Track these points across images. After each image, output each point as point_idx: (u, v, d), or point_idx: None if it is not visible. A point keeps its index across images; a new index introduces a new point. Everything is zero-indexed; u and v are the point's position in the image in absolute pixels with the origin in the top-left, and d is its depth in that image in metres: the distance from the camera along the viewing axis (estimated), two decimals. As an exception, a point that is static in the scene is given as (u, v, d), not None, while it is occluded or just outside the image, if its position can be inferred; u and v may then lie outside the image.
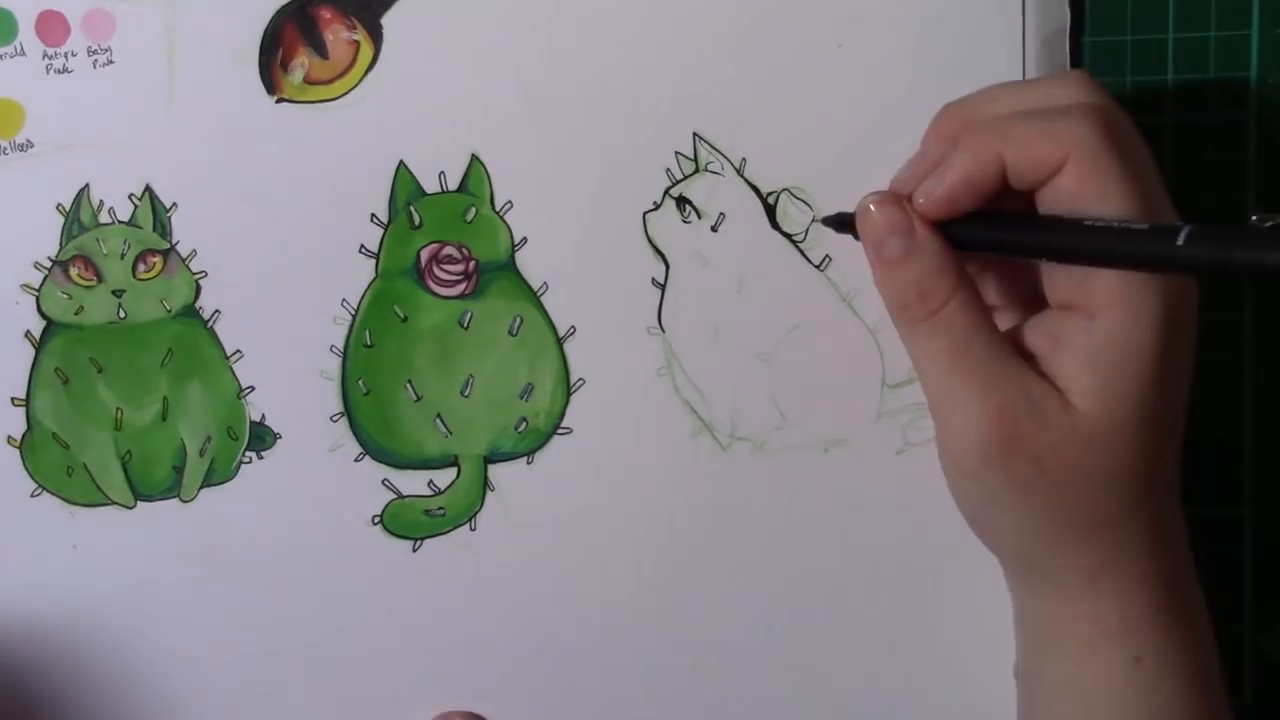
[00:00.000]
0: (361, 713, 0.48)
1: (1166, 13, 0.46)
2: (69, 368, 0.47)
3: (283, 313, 0.46)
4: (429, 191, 0.46)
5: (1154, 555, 0.39)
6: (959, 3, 0.44)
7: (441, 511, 0.47)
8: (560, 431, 0.47)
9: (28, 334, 0.47)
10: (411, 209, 0.46)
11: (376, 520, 0.47)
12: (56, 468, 0.47)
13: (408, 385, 0.47)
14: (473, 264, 0.46)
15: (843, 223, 0.42)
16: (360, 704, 0.48)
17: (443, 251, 0.46)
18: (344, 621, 0.48)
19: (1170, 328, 0.36)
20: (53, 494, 0.47)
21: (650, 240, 0.46)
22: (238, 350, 0.47)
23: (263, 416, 0.47)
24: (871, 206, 0.39)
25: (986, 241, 0.39)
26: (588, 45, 0.45)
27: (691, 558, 0.47)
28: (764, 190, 0.45)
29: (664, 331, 0.46)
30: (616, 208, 0.46)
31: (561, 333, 0.46)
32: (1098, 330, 0.36)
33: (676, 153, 0.45)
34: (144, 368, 0.47)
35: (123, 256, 0.46)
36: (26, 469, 0.47)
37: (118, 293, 0.46)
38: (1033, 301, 0.41)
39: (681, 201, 0.46)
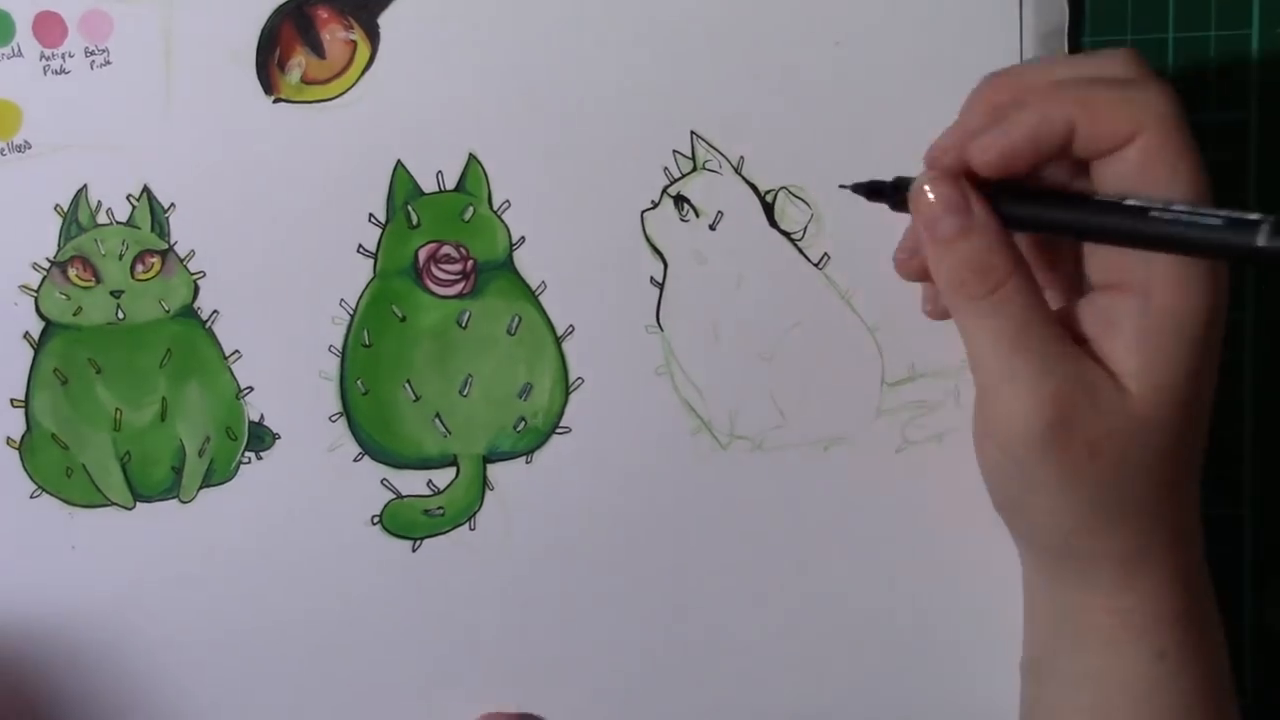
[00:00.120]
0: (361, 711, 0.48)
1: (1166, 13, 0.45)
2: (68, 368, 0.47)
3: (281, 313, 0.46)
4: (427, 191, 0.46)
5: (1183, 547, 0.39)
6: (956, 1, 0.44)
7: (440, 511, 0.47)
8: (559, 431, 0.47)
9: (26, 335, 0.47)
10: (409, 208, 0.46)
11: (376, 520, 0.47)
12: (56, 469, 0.47)
13: (406, 385, 0.47)
14: (471, 263, 0.46)
15: (875, 191, 0.41)
16: (359, 703, 0.48)
17: (441, 251, 0.46)
18: (343, 621, 0.48)
19: (1217, 313, 0.36)
20: (52, 495, 0.47)
21: (648, 239, 0.46)
22: (236, 350, 0.47)
23: (261, 417, 0.47)
24: (926, 186, 0.38)
25: (1045, 221, 0.38)
26: (585, 44, 0.45)
27: (691, 556, 0.47)
28: (762, 189, 0.45)
29: (662, 330, 0.46)
30: (614, 207, 0.46)
31: (560, 332, 0.46)
32: (1152, 312, 0.36)
33: (674, 151, 0.45)
34: (143, 368, 0.47)
35: (121, 257, 0.46)
36: (26, 470, 0.47)
37: (116, 293, 0.46)
38: (1073, 281, 0.40)
39: (679, 200, 0.46)
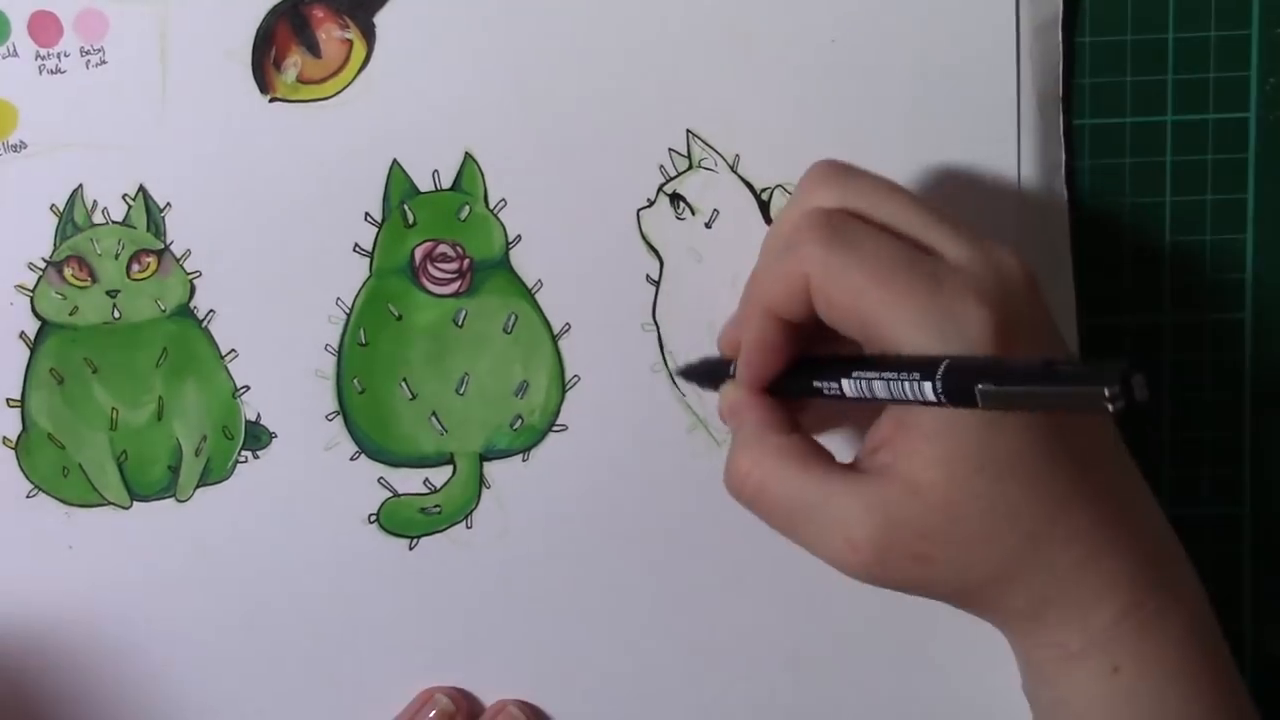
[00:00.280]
0: (358, 710, 0.48)
1: (1166, 13, 0.45)
2: (64, 368, 0.47)
3: (277, 312, 0.46)
4: (423, 190, 0.46)
5: (1095, 568, 0.37)
6: (952, -3, 0.44)
7: (437, 509, 0.47)
8: (555, 429, 0.47)
9: (22, 335, 0.47)
10: (405, 207, 0.46)
11: (372, 518, 0.47)
12: (52, 468, 0.47)
13: (403, 383, 0.47)
14: (467, 262, 0.46)
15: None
16: (357, 702, 0.48)
17: (437, 250, 0.46)
18: (340, 619, 0.48)
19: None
20: (48, 494, 0.47)
21: (644, 237, 0.46)
22: (232, 350, 0.47)
23: (258, 416, 0.47)
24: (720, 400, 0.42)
25: (802, 391, 0.40)
26: (581, 43, 0.45)
27: (687, 553, 0.47)
28: (758, 187, 0.45)
29: (658, 328, 0.46)
30: (610, 205, 0.46)
31: (556, 330, 0.46)
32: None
33: (670, 149, 0.45)
34: (139, 368, 0.47)
35: (117, 257, 0.46)
36: (22, 469, 0.47)
37: (112, 293, 0.46)
38: None
39: (675, 198, 0.46)
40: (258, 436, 0.47)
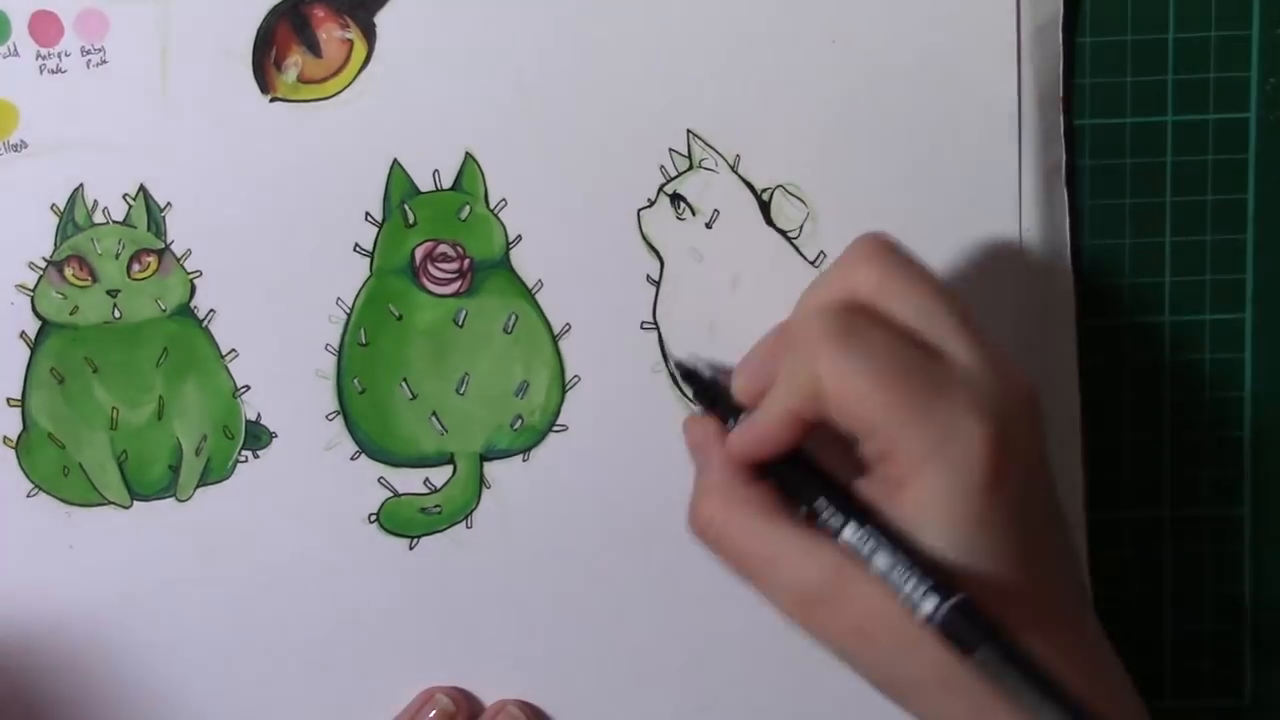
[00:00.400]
0: (358, 710, 0.48)
1: (1166, 13, 0.45)
2: (64, 368, 0.47)
3: (278, 311, 0.46)
4: (423, 190, 0.46)
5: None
6: (952, -3, 0.44)
7: (438, 509, 0.47)
8: (556, 429, 0.47)
9: (23, 334, 0.47)
10: (406, 207, 0.46)
11: (373, 518, 0.47)
12: (52, 468, 0.47)
13: (403, 383, 0.47)
14: (467, 262, 0.46)
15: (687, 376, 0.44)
16: (357, 701, 0.48)
17: (437, 249, 0.46)
18: (341, 619, 0.48)
19: (965, 491, 0.35)
20: (49, 494, 0.47)
21: (645, 237, 0.46)
22: (233, 349, 0.47)
23: (258, 415, 0.47)
24: (687, 428, 0.42)
25: (788, 489, 0.39)
26: (581, 43, 0.45)
27: (688, 554, 0.46)
28: (758, 187, 0.45)
29: (659, 328, 0.46)
30: (611, 205, 0.46)
31: (556, 330, 0.46)
32: (899, 508, 0.36)
33: (670, 149, 0.45)
34: (139, 367, 0.47)
35: (117, 256, 0.46)
36: (22, 469, 0.47)
37: (112, 292, 0.46)
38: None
39: (676, 198, 0.46)
40: (258, 436, 0.47)
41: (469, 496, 0.47)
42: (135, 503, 0.47)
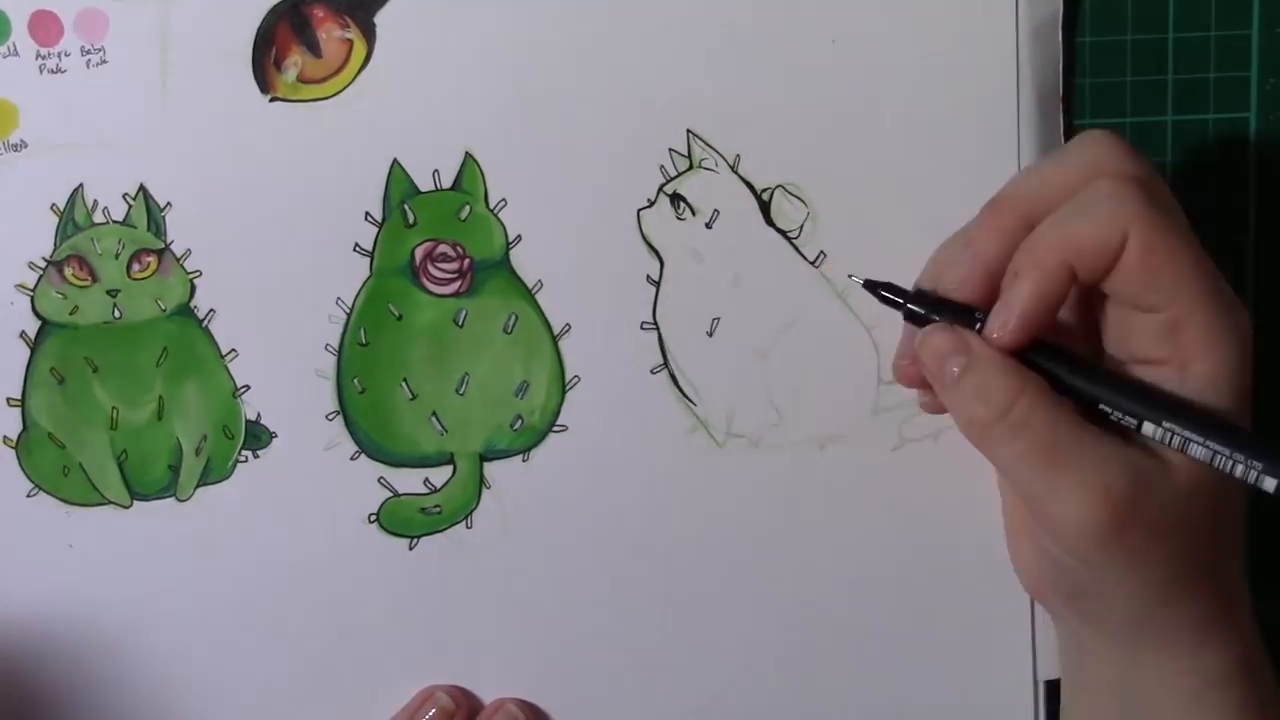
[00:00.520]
0: (358, 709, 0.48)
1: (1166, 13, 0.45)
2: (64, 367, 0.47)
3: (278, 311, 0.46)
4: (423, 189, 0.46)
5: (1247, 601, 0.39)
6: (952, -4, 0.44)
7: (438, 509, 0.47)
8: (556, 429, 0.47)
9: (23, 334, 0.47)
10: (406, 207, 0.46)
11: (373, 518, 0.47)
12: (52, 468, 0.47)
13: (403, 383, 0.47)
14: (467, 262, 0.46)
15: (887, 296, 0.41)
16: (357, 700, 0.48)
17: (437, 249, 0.46)
18: (341, 619, 0.48)
19: (1246, 370, 0.36)
20: (49, 494, 0.47)
21: (645, 237, 0.46)
22: (233, 349, 0.47)
23: (258, 415, 0.47)
24: (926, 342, 0.39)
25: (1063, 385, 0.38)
26: (581, 43, 0.45)
27: (687, 554, 0.47)
28: (758, 187, 0.45)
29: (659, 328, 0.46)
30: (611, 205, 0.46)
31: (556, 330, 0.46)
32: (1191, 381, 0.36)
33: (670, 149, 0.45)
34: (139, 367, 0.47)
35: (117, 256, 0.46)
36: (23, 469, 0.47)
37: (112, 292, 0.46)
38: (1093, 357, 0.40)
39: (676, 198, 0.46)
40: (258, 436, 0.47)
41: (469, 496, 0.47)
42: (135, 502, 0.47)
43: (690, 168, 0.45)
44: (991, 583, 0.45)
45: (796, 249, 0.45)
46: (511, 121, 0.45)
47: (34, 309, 0.46)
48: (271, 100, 0.46)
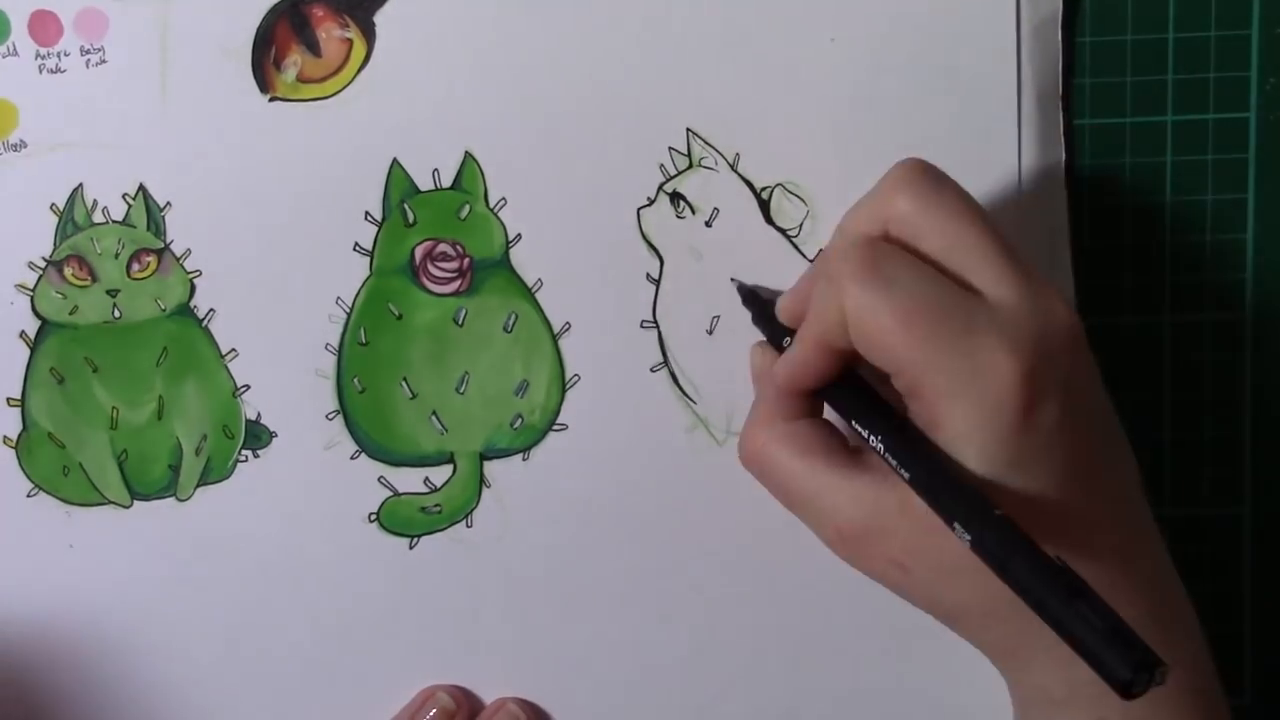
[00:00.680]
0: (357, 709, 0.48)
1: (1166, 13, 0.45)
2: (64, 367, 0.47)
3: (277, 311, 0.46)
4: (423, 189, 0.46)
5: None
6: (952, -5, 0.44)
7: (438, 508, 0.47)
8: (556, 428, 0.47)
9: (22, 334, 0.47)
10: (405, 206, 0.46)
11: (373, 518, 0.47)
12: (53, 467, 0.47)
13: (403, 383, 0.47)
14: (467, 261, 0.46)
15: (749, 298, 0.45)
16: (357, 700, 0.48)
17: (437, 249, 0.46)
18: (341, 618, 0.48)
19: (999, 418, 0.35)
20: (49, 494, 0.47)
21: (644, 236, 0.46)
22: (233, 349, 0.47)
23: (258, 415, 0.47)
24: (751, 350, 0.45)
25: (839, 410, 0.41)
26: (581, 42, 0.45)
27: (688, 553, 0.47)
28: (758, 185, 0.45)
29: (659, 327, 0.46)
30: (610, 204, 0.46)
31: (556, 329, 0.46)
32: (942, 441, 0.36)
33: (670, 148, 0.45)
34: (139, 367, 0.47)
35: (117, 256, 0.46)
36: (23, 469, 0.47)
37: (112, 292, 0.46)
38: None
39: (675, 197, 0.46)
40: (258, 436, 0.47)
41: (469, 495, 0.47)
42: (135, 502, 0.47)
43: (690, 166, 0.45)
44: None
45: (796, 247, 0.45)
46: (511, 121, 0.45)
47: (34, 309, 0.46)
48: (271, 100, 0.46)
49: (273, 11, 0.45)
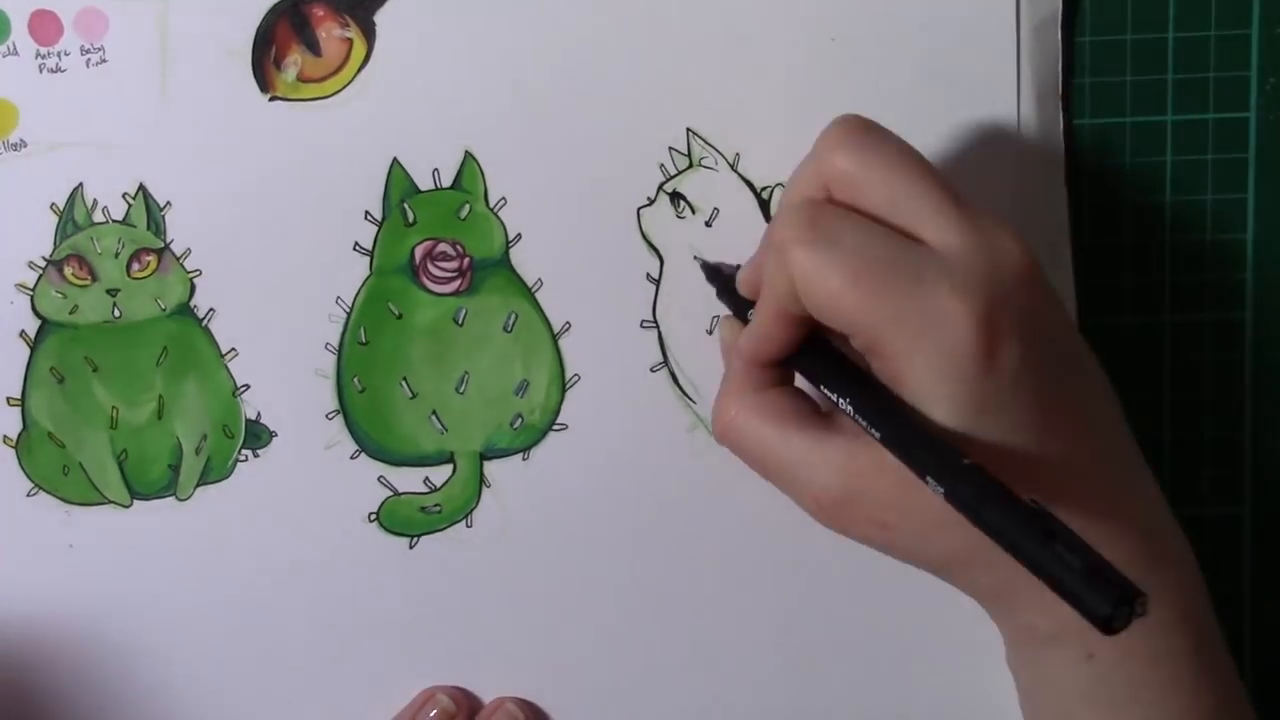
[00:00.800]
0: (357, 709, 0.48)
1: (1166, 13, 0.45)
2: (64, 367, 0.47)
3: (277, 310, 0.46)
4: (423, 188, 0.46)
5: None
6: (952, -6, 0.44)
7: (438, 508, 0.47)
8: (556, 428, 0.47)
9: (22, 333, 0.47)
10: (405, 206, 0.46)
11: (373, 517, 0.47)
12: (53, 467, 0.47)
13: (403, 382, 0.47)
14: (467, 261, 0.46)
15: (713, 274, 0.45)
16: (357, 700, 0.48)
17: (437, 248, 0.46)
18: (341, 618, 0.48)
19: (958, 373, 0.35)
20: (49, 493, 0.47)
21: (644, 236, 0.46)
22: (233, 348, 0.47)
23: (258, 414, 0.47)
24: (719, 323, 0.44)
25: (808, 377, 0.40)
26: (581, 41, 0.45)
27: (688, 553, 0.47)
28: (758, 185, 0.45)
29: (659, 327, 0.46)
30: (610, 204, 0.46)
31: (556, 329, 0.46)
32: (907, 397, 0.36)
33: (670, 148, 0.45)
34: (139, 366, 0.47)
35: (117, 255, 0.46)
36: (23, 468, 0.47)
37: (112, 292, 0.46)
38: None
39: (675, 197, 0.46)
40: (258, 435, 0.47)
41: (469, 495, 0.47)
42: (135, 502, 0.47)
43: (690, 166, 0.45)
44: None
45: (796, 248, 0.45)
46: (511, 120, 0.45)
47: (34, 308, 0.46)
48: (271, 99, 0.46)
49: (273, 11, 0.45)
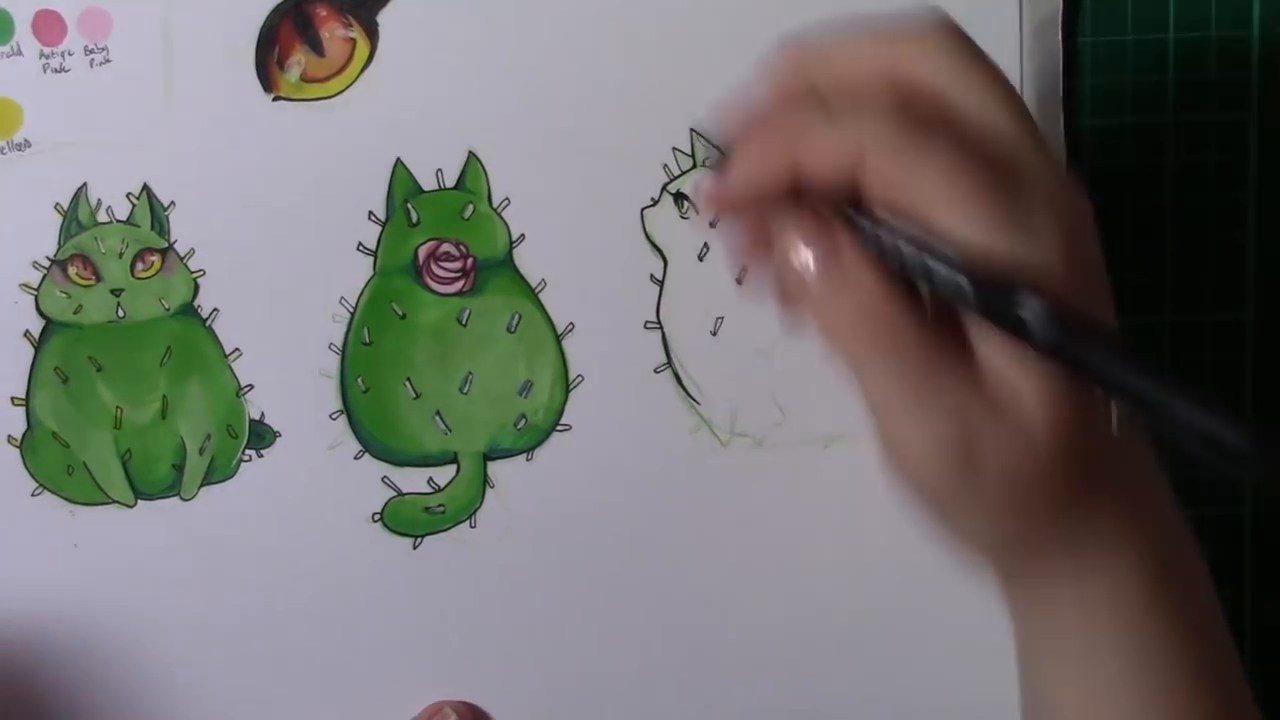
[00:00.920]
0: (361, 709, 0.48)
1: (1166, 13, 0.45)
2: (68, 367, 0.47)
3: (281, 311, 0.46)
4: (426, 189, 0.46)
5: (1130, 534, 0.37)
6: (954, -5, 0.44)
7: (441, 509, 0.47)
8: (559, 428, 0.47)
9: (27, 333, 0.47)
10: (409, 206, 0.46)
11: (376, 518, 0.47)
12: (57, 467, 0.47)
13: (406, 383, 0.47)
14: (470, 261, 0.46)
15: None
16: (360, 701, 0.48)
17: (440, 249, 0.46)
18: (344, 619, 0.48)
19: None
20: (53, 493, 0.47)
21: (648, 236, 0.46)
22: (236, 348, 0.47)
23: (262, 414, 0.47)
24: (797, 239, 0.34)
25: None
26: (584, 41, 0.45)
27: (691, 554, 0.47)
28: (761, 186, 0.45)
29: (662, 327, 0.46)
30: (614, 204, 0.46)
31: (560, 329, 0.46)
32: None
33: (674, 148, 0.45)
34: (143, 366, 0.47)
35: (121, 255, 0.46)
36: (27, 468, 0.47)
37: (116, 292, 0.46)
38: None
39: (679, 197, 0.46)
40: (262, 435, 0.47)
41: (473, 496, 0.47)
42: (139, 502, 0.47)
43: (694, 166, 0.45)
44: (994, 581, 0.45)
45: (800, 248, 0.45)
46: (515, 120, 0.45)
47: (38, 308, 0.46)
48: (275, 99, 0.46)
49: (276, 11, 0.45)
